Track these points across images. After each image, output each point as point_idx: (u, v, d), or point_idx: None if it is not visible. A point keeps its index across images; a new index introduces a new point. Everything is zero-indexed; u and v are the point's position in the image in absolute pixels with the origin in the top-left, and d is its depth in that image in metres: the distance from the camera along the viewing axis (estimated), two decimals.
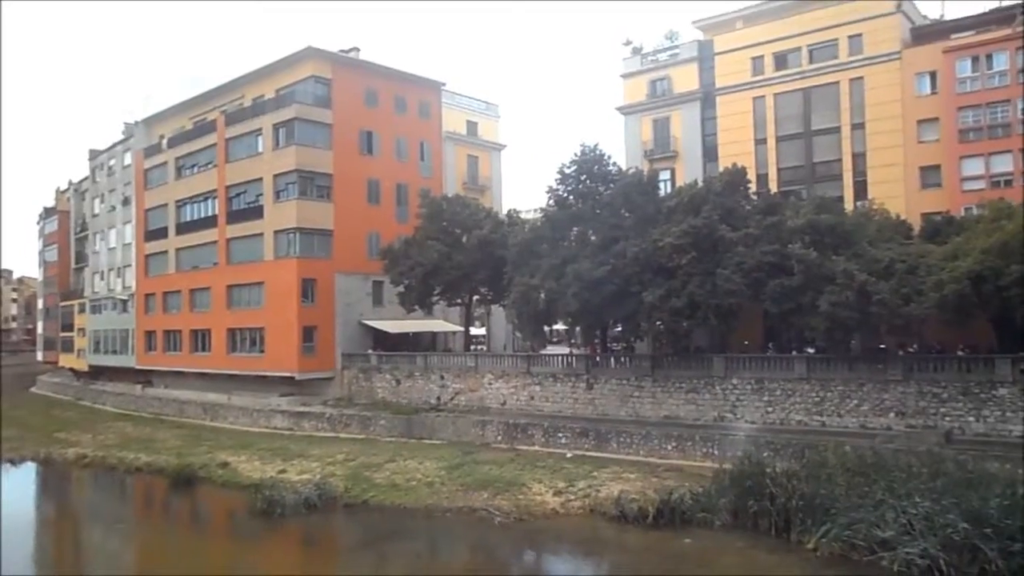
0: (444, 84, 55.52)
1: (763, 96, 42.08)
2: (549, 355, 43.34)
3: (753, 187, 37.04)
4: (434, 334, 52.21)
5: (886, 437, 27.84)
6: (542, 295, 36.79)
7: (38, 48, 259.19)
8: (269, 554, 26.47)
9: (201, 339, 52.87)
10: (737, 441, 29.14)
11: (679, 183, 41.03)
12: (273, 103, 48.50)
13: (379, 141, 50.11)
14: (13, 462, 40.73)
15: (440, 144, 54.84)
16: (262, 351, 47.94)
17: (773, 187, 40.12)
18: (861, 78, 39.59)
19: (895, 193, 37.54)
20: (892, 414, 29.67)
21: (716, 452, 29.29)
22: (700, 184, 36.30)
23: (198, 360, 53.04)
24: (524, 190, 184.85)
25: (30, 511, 34.81)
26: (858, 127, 39.73)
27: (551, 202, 39.48)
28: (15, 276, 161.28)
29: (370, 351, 46.98)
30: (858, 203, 37.97)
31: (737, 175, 35.14)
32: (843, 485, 22.49)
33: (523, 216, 49.41)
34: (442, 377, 42.52)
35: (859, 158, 39.72)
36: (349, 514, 28.73)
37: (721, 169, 37.62)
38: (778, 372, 32.69)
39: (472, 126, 59.75)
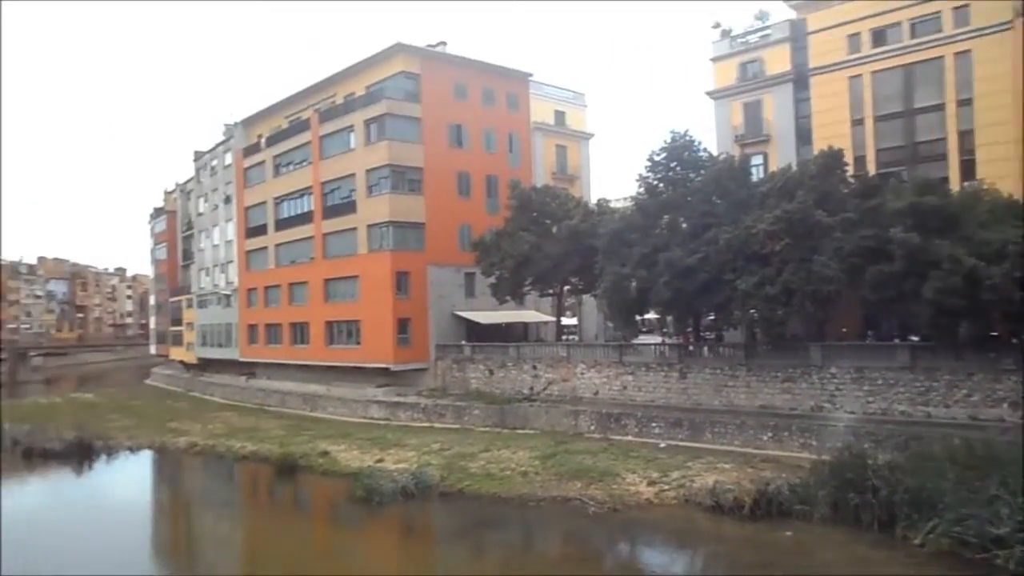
0: (531, 75, 55.64)
1: (860, 75, 40.45)
2: (641, 344, 43.07)
3: (850, 170, 35.71)
4: (526, 324, 52.55)
5: (999, 429, 26.55)
6: (633, 284, 36.55)
7: (149, 57, 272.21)
8: (369, 540, 27.32)
9: (300, 332, 54.76)
10: (836, 432, 28.33)
11: (772, 168, 40.01)
12: (364, 100, 49.64)
13: (468, 134, 50.68)
14: (132, 450, 43.10)
15: (528, 135, 55.04)
16: (358, 343, 49.32)
17: (871, 169, 38.54)
18: (968, 51, 37.48)
19: (1007, 172, 35.36)
20: (1006, 405, 28.15)
21: (814, 443, 28.57)
22: (794, 168, 35.29)
23: (298, 352, 54.98)
24: (613, 179, 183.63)
25: (147, 496, 37.00)
26: (965, 103, 37.65)
27: (641, 190, 39.13)
28: (130, 274, 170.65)
29: (463, 342, 47.69)
30: (965, 184, 36.07)
31: (833, 158, 33.96)
32: (952, 479, 21.51)
33: (613, 205, 49.09)
34: (534, 367, 42.79)
35: (966, 136, 37.65)
36: (445, 502, 29.29)
37: (816, 152, 36.41)
38: (879, 361, 31.52)
39: (560, 116, 59.70)
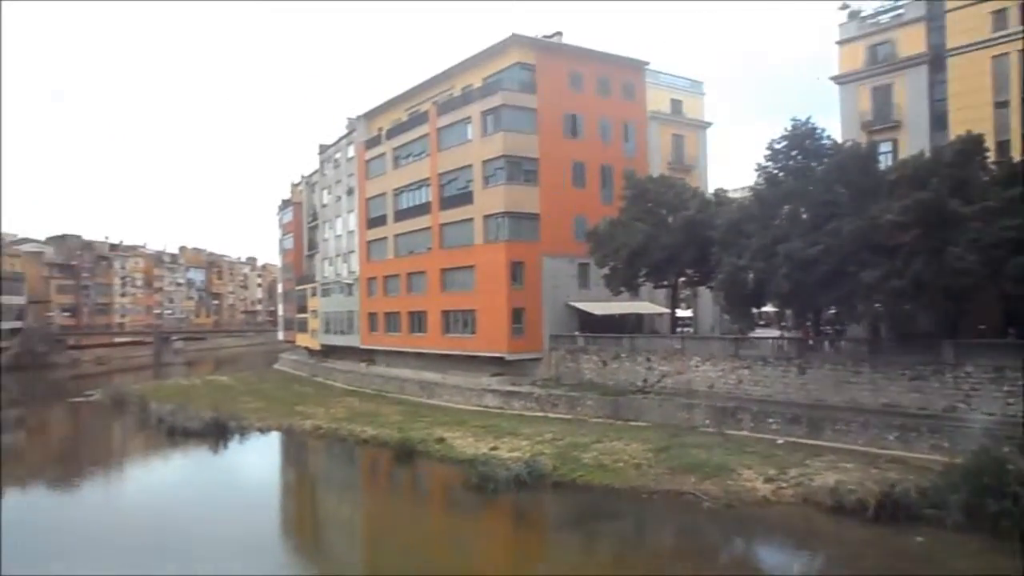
0: (647, 63, 54.90)
1: (1006, 53, 37.71)
2: (758, 338, 41.93)
3: (992, 156, 33.46)
4: (640, 316, 52.10)
5: None
6: (750, 276, 35.59)
7: (280, 57, 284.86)
8: (483, 527, 27.88)
9: (418, 321, 56.23)
10: (971, 434, 26.69)
11: (902, 155, 37.90)
12: (480, 91, 50.32)
13: (583, 124, 50.58)
14: (262, 431, 45.51)
15: (644, 124, 54.40)
16: (474, 332, 50.20)
17: (1016, 155, 35.99)
18: None
19: None
20: None
21: (946, 444, 27.09)
22: (927, 155, 33.38)
23: (415, 340, 56.48)
24: (731, 168, 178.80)
25: (276, 475, 39.02)
26: None
27: (760, 179, 37.98)
28: (260, 263, 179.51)
29: (576, 333, 47.75)
30: None
31: (972, 143, 31.85)
32: None
33: (730, 195, 47.91)
34: (648, 359, 42.40)
35: None
36: (558, 492, 29.50)
37: (952, 137, 34.31)
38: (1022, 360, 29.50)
39: (677, 104, 58.65)
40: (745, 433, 33.25)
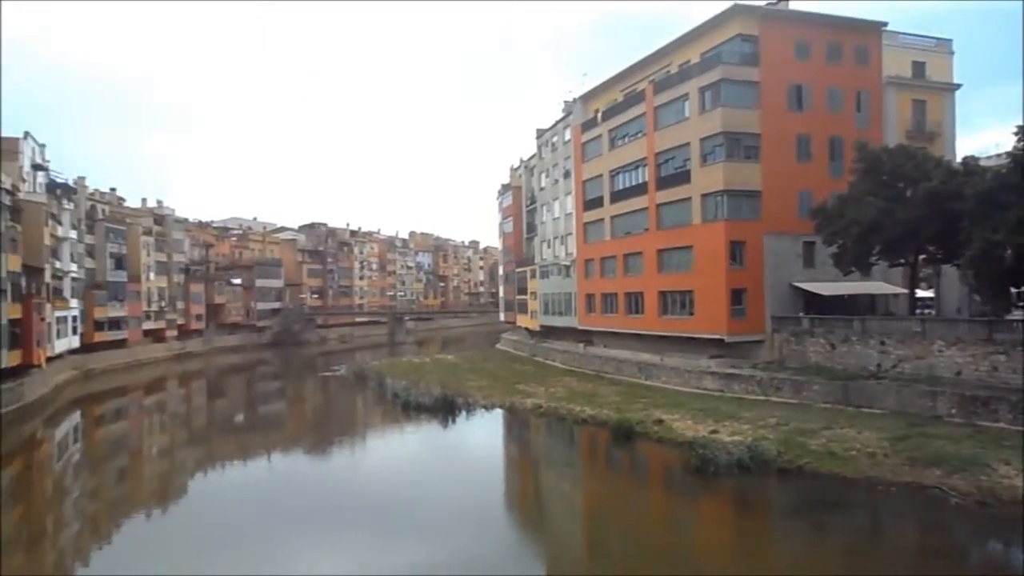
0: (885, 24, 50.72)
1: None
2: (1016, 320, 37.63)
3: None
4: (872, 297, 48.60)
5: None
6: (1007, 253, 32.04)
7: (501, 45, 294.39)
8: (704, 510, 27.46)
9: (634, 302, 56.11)
10: None
11: None
12: (698, 67, 49.01)
13: (809, 94, 47.81)
14: (486, 408, 47.67)
15: (879, 91, 50.35)
16: (691, 313, 49.32)
17: None
18: None
19: None
20: None
21: None
22: None
23: (632, 322, 56.44)
24: (983, 135, 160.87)
25: (499, 451, 40.75)
26: None
27: (1020, 145, 33.99)
28: (482, 246, 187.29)
29: (801, 314, 45.48)
30: None
31: None
32: None
33: (983, 163, 43.19)
34: (882, 343, 39.47)
35: None
36: (782, 479, 28.39)
37: None
38: None
39: (919, 67, 53.61)
40: (1002, 425, 30.04)
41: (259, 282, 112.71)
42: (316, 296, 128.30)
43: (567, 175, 68.91)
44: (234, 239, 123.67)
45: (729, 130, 46.33)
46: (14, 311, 50.13)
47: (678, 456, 31.90)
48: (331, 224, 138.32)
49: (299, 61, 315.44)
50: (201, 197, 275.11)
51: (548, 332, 74.37)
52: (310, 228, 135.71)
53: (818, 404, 37.44)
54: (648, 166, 53.90)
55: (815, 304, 45.85)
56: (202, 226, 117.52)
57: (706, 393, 43.91)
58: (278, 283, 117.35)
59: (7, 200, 50.63)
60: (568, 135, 68.58)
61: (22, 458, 39.68)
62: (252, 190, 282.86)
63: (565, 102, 71.36)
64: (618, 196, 58.51)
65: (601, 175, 61.05)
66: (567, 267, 68.60)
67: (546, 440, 41.38)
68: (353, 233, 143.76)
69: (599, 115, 62.04)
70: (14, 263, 51.25)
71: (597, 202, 61.89)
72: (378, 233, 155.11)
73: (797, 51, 47.54)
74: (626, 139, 57.42)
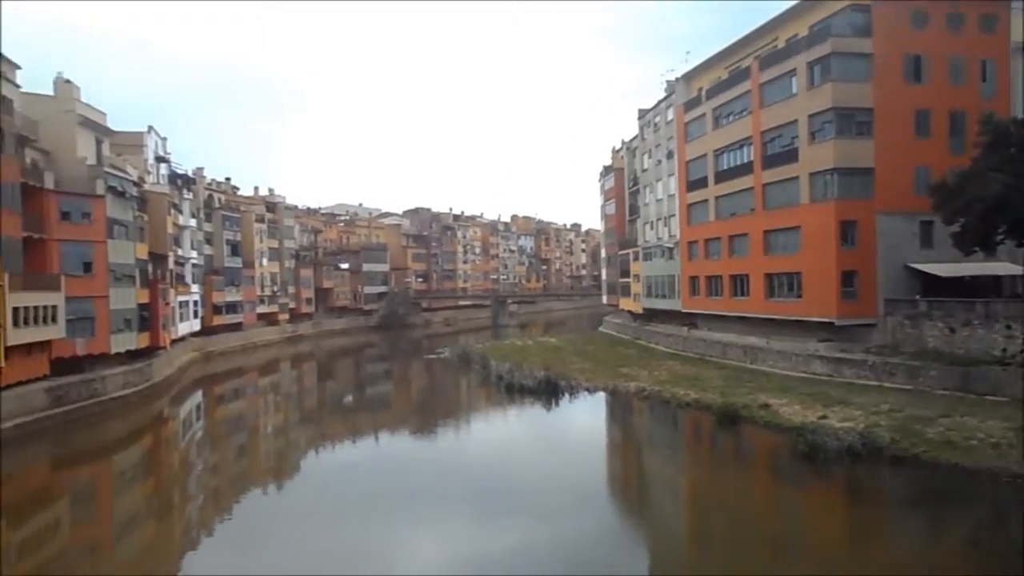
0: None
1: None
2: None
3: None
4: (998, 278, 45.77)
5: None
6: None
7: (601, 29, 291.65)
8: (812, 498, 26.73)
9: (740, 284, 54.82)
10: None
11: None
12: (807, 41, 47.14)
13: (928, 65, 45.23)
14: (589, 390, 47.71)
15: (1007, 59, 47.12)
16: (799, 296, 47.80)
17: None
18: None
19: None
20: None
21: None
22: None
23: (737, 304, 55.17)
24: None
25: (602, 434, 40.75)
26: None
27: None
28: (584, 229, 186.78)
29: (918, 296, 43.34)
30: None
31: None
32: None
33: None
34: (1008, 327, 37.14)
35: None
36: (896, 467, 27.33)
37: None
38: None
39: None
40: None
41: (366, 266, 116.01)
42: (421, 280, 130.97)
43: (670, 155, 67.77)
44: (341, 225, 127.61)
45: (840, 105, 44.47)
46: (142, 296, 53.58)
47: (785, 442, 31.19)
48: (435, 209, 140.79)
49: (402, 50, 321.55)
50: (310, 184, 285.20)
51: (651, 315, 73.61)
52: (414, 213, 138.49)
53: (935, 391, 35.78)
54: (753, 145, 52.38)
55: (932, 286, 43.59)
56: (311, 213, 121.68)
57: (814, 378, 42.63)
58: (384, 267, 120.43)
59: (135, 191, 53.94)
60: (671, 115, 67.37)
61: (151, 434, 42.44)
62: (358, 177, 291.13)
63: (667, 82, 70.08)
64: (722, 176, 57.16)
65: (705, 155, 59.75)
66: (670, 249, 67.61)
67: (649, 423, 41.10)
68: (456, 217, 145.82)
69: (702, 94, 60.63)
70: (142, 251, 54.71)
71: (701, 182, 60.63)
72: (481, 217, 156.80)
73: (914, 20, 45.01)
74: (731, 117, 55.95)
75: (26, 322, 39.43)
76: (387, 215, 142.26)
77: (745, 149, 53.78)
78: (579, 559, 20.65)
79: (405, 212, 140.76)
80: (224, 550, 22.90)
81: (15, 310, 38.41)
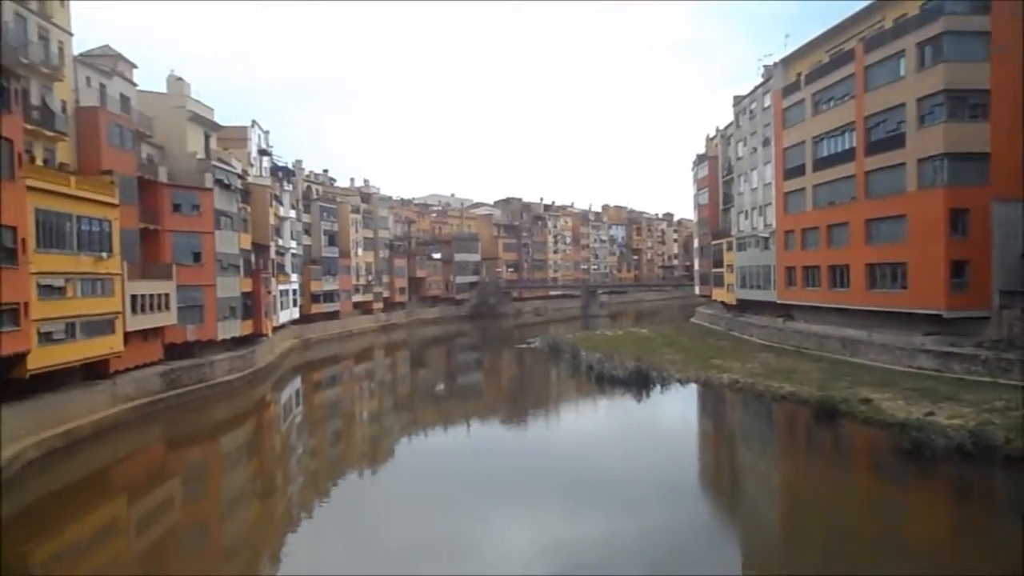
0: None
1: None
2: None
3: None
4: None
5: None
6: None
7: (695, 17, 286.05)
8: (916, 498, 25.66)
9: (839, 274, 52.93)
10: None
11: None
12: (917, 20, 44.93)
13: None
14: (681, 382, 47.09)
15: None
16: (904, 287, 45.81)
17: None
18: None
19: None
20: None
21: None
22: None
23: (836, 295, 53.31)
24: None
25: (694, 426, 40.19)
26: None
27: None
28: (676, 219, 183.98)
29: None
30: None
31: None
32: None
33: None
34: None
35: None
36: (1011, 469, 25.88)
37: None
38: None
39: None
40: None
41: (457, 256, 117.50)
42: (511, 269, 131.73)
43: (766, 143, 65.95)
44: (434, 215, 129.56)
45: (952, 87, 42.26)
46: (245, 285, 55.82)
47: (887, 438, 30.03)
48: (525, 199, 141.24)
49: (494, 41, 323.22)
50: (404, 176, 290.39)
51: (745, 306, 72.00)
52: (505, 203, 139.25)
53: None
54: (856, 130, 50.38)
55: None
56: (404, 203, 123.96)
57: (919, 372, 40.85)
58: (475, 257, 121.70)
59: (239, 184, 56.17)
60: (768, 101, 65.50)
61: (255, 418, 44.24)
62: (451, 168, 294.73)
63: (764, 67, 68.11)
64: (822, 164, 55.24)
65: (803, 142, 57.87)
66: (765, 239, 65.87)
67: (742, 416, 40.28)
68: (547, 207, 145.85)
69: (802, 78, 58.67)
70: (245, 241, 56.98)
71: (798, 170, 58.77)
72: (571, 207, 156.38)
73: None
74: (831, 103, 53.94)
75: (143, 309, 41.69)
76: (479, 205, 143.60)
77: (847, 135, 51.80)
78: (669, 551, 20.49)
79: (496, 202, 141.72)
80: (323, 531, 23.72)
81: (133, 298, 40.65)
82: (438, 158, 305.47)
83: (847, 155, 51.54)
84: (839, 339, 50.58)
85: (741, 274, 72.01)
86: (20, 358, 30.98)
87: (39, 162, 35.12)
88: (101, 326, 37.28)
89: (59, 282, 34.14)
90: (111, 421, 36.07)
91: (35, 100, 36.75)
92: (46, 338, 32.95)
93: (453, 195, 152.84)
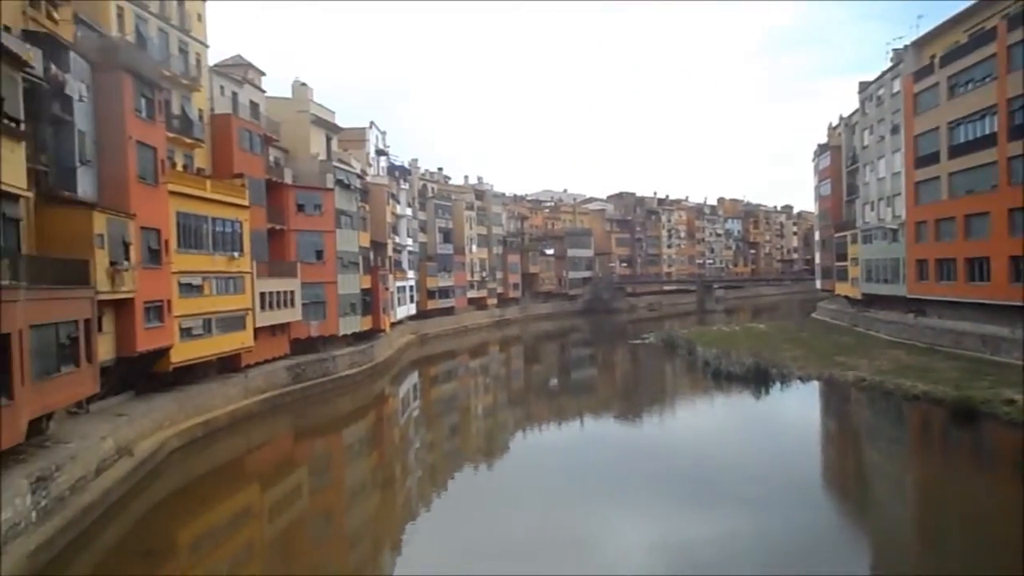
0: None
1: None
2: None
3: None
4: None
5: None
6: None
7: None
8: None
9: (977, 267, 49.63)
10: None
11: None
12: None
13: None
14: (802, 379, 45.47)
15: None
16: None
17: None
18: None
19: None
20: None
21: None
22: None
23: (974, 290, 50.04)
24: None
25: (816, 425, 38.72)
26: None
27: None
28: (795, 211, 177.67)
29: None
30: None
31: None
32: None
33: None
34: None
35: None
36: None
37: None
38: None
39: None
40: None
41: (570, 252, 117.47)
42: (625, 265, 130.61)
43: (895, 130, 62.63)
44: (546, 211, 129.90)
45: None
46: (364, 282, 57.66)
47: None
48: (639, 193, 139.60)
49: (605, 35, 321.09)
50: (516, 172, 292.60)
51: (871, 300, 68.75)
52: (618, 198, 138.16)
53: None
54: (998, 114, 47.06)
55: None
56: (517, 200, 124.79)
57: None
58: (588, 252, 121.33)
59: (358, 183, 58.05)
60: (897, 86, 62.16)
61: (374, 412, 45.66)
62: (563, 164, 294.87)
63: (894, 51, 64.61)
64: (958, 150, 51.94)
65: (937, 128, 54.59)
66: (894, 231, 62.62)
67: (869, 416, 38.52)
68: (661, 201, 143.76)
69: (936, 61, 55.31)
70: (364, 239, 58.86)
71: (931, 158, 55.49)
72: (686, 201, 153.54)
73: None
74: (969, 85, 50.63)
75: (271, 306, 43.74)
76: (591, 200, 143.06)
77: (987, 120, 48.50)
78: (789, 553, 19.81)
79: (609, 197, 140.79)
80: (440, 523, 24.25)
81: (261, 295, 42.70)
82: (551, 154, 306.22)
83: (987, 141, 48.25)
84: (978, 336, 47.54)
85: (867, 267, 68.81)
86: (164, 352, 33.12)
87: (179, 168, 37.34)
88: (234, 322, 39.36)
89: (197, 280, 36.26)
90: (244, 412, 38.02)
91: (175, 110, 39.09)
92: (186, 333, 35.08)
93: (566, 191, 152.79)
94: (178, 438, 31.51)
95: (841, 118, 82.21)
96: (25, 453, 21.09)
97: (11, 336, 18.96)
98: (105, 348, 28.24)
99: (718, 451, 32.02)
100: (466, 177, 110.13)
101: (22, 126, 22.23)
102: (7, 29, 23.03)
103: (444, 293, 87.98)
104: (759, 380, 44.99)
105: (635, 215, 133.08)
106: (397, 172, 76.16)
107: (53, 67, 25.92)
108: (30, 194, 23.94)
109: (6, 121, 21.07)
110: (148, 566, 20.34)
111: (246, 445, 35.28)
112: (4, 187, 20.98)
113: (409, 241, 77.66)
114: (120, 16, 35.27)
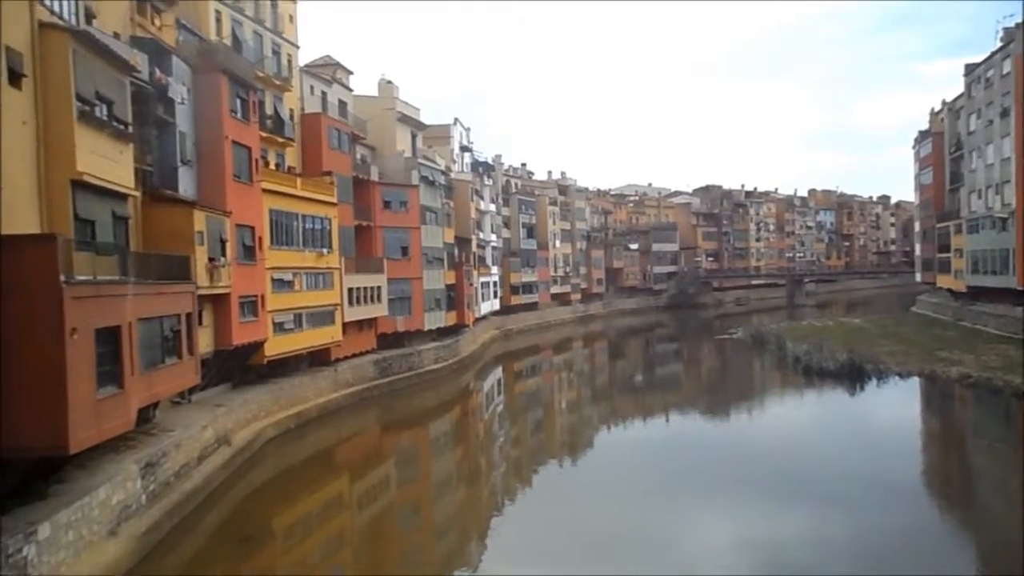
0: None
1: None
2: None
3: None
4: None
5: None
6: None
7: None
8: None
9: None
10: None
11: None
12: None
13: None
14: (901, 375, 43.63)
15: None
16: None
17: None
18: None
19: None
20: None
21: None
22: None
23: None
24: None
25: (915, 423, 37.12)
26: None
27: None
28: (893, 201, 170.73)
29: None
30: None
31: None
32: None
33: None
34: None
35: None
36: None
37: None
38: None
39: None
40: None
41: (655, 246, 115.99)
42: (711, 259, 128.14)
43: (1004, 114, 59.30)
44: (631, 206, 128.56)
45: None
46: (449, 277, 58.22)
47: None
48: (726, 186, 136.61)
49: (690, 30, 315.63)
50: (600, 167, 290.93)
51: (976, 293, 65.37)
52: (704, 191, 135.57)
53: None
54: None
55: None
56: (601, 194, 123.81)
57: None
58: (673, 247, 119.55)
59: (443, 180, 58.68)
60: (1007, 67, 58.78)
61: (460, 406, 46.12)
62: (647, 158, 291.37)
63: (1004, 29, 61.07)
64: None
65: None
66: (1003, 220, 59.31)
67: (974, 414, 36.79)
68: (748, 194, 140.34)
69: None
70: (449, 235, 59.44)
71: None
72: (775, 193, 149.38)
73: None
74: None
75: (358, 301, 44.66)
76: (676, 194, 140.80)
77: None
78: (883, 558, 19.02)
79: (695, 190, 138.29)
80: (525, 517, 24.31)
81: (349, 290, 43.64)
82: (635, 148, 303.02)
83: None
84: None
85: (972, 259, 65.44)
86: (259, 346, 34.23)
87: (271, 167, 38.49)
88: (323, 317, 40.35)
89: (288, 276, 37.31)
90: (333, 405, 38.97)
91: (268, 110, 40.30)
92: (279, 328, 36.15)
93: (650, 184, 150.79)
94: (273, 428, 32.55)
95: (944, 103, 78.40)
96: (135, 440, 22.17)
97: (121, 329, 19.88)
98: (204, 341, 29.34)
99: (810, 449, 31.15)
100: (549, 172, 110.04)
101: (130, 128, 23.28)
102: (116, 36, 24.15)
103: (527, 288, 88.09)
104: (853, 376, 43.41)
105: (722, 208, 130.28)
106: (481, 168, 76.63)
107: (157, 71, 27.12)
108: (137, 193, 25.05)
109: (116, 123, 22.10)
110: (246, 551, 21.10)
111: (336, 437, 36.17)
112: (115, 187, 22.01)
113: (493, 237, 78.05)
114: (218, 19, 36.57)
